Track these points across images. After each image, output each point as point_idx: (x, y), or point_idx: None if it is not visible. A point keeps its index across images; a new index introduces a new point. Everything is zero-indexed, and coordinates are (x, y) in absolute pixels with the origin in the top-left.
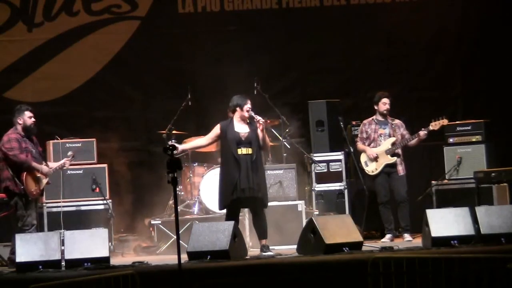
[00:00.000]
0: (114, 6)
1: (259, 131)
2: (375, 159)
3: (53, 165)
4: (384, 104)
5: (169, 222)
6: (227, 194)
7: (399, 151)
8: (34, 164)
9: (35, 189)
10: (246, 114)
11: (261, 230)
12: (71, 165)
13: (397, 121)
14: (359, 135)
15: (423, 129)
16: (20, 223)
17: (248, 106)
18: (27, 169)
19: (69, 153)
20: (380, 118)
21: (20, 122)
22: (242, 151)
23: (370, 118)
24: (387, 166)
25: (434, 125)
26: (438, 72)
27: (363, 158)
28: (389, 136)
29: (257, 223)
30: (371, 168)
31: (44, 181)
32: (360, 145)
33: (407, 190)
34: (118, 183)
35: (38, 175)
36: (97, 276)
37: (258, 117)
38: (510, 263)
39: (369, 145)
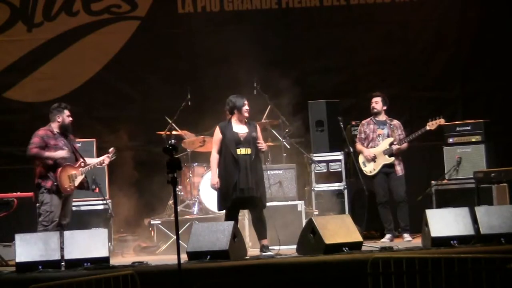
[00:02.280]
0: (114, 6)
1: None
2: (373, 159)
3: (92, 161)
4: (372, 103)
5: (168, 222)
6: (226, 195)
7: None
8: (47, 153)
9: (69, 185)
10: (246, 114)
11: (260, 231)
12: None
13: (395, 122)
14: (358, 136)
15: (420, 130)
16: (41, 217)
17: (246, 107)
18: (58, 164)
19: (110, 149)
20: (378, 118)
21: (59, 120)
22: (241, 151)
23: (369, 118)
24: (385, 166)
25: (431, 125)
26: (438, 72)
27: (361, 158)
28: (388, 136)
29: (257, 223)
30: (369, 169)
31: (79, 177)
32: (358, 146)
33: (406, 190)
34: (118, 183)
35: (73, 172)
36: (97, 276)
37: (262, 146)
38: (510, 263)
39: (367, 145)
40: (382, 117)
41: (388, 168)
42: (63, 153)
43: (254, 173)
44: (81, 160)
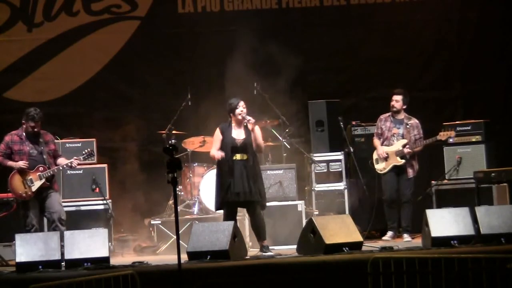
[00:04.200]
0: (114, 6)
1: (252, 132)
2: (385, 158)
3: (62, 162)
4: (393, 101)
5: (169, 222)
6: (221, 196)
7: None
8: (9, 162)
9: (24, 191)
10: (240, 118)
11: (259, 232)
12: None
13: (413, 122)
14: (375, 130)
15: (431, 138)
16: (22, 222)
17: (239, 110)
18: (19, 170)
19: (84, 151)
20: (396, 116)
21: (24, 126)
22: (237, 156)
23: (387, 114)
24: (396, 166)
25: (442, 136)
26: (438, 72)
27: (375, 155)
28: (402, 137)
29: (255, 225)
30: (380, 167)
31: (38, 182)
32: (375, 141)
33: (413, 191)
34: (118, 183)
35: (29, 177)
36: (97, 276)
37: (248, 117)
38: (510, 263)
39: (382, 143)
40: (401, 115)
41: (399, 169)
42: (19, 164)
43: (250, 177)
44: (41, 164)
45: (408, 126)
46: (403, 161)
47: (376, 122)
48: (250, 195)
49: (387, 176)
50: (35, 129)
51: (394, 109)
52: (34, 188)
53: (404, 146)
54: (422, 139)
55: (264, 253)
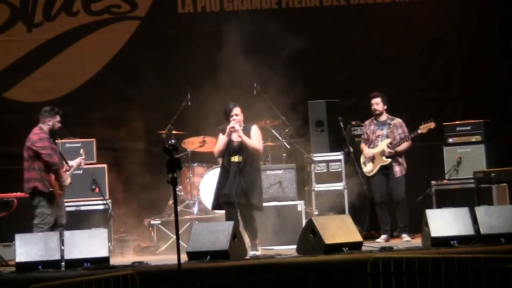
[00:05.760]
0: (114, 6)
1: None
2: (372, 160)
3: (72, 164)
4: (373, 105)
5: (168, 222)
6: (215, 197)
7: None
8: (61, 172)
9: (60, 188)
10: (233, 123)
11: (249, 233)
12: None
13: (396, 121)
14: (362, 136)
15: (413, 133)
16: (37, 219)
17: (234, 117)
18: (55, 171)
19: (81, 151)
20: (379, 119)
21: (50, 124)
22: (234, 158)
23: (370, 119)
24: (384, 167)
25: (423, 128)
26: (438, 72)
27: (362, 158)
28: (386, 137)
29: (244, 226)
30: (368, 169)
31: (67, 181)
32: (361, 145)
33: (405, 190)
34: (118, 183)
35: (63, 178)
36: (97, 276)
37: (235, 127)
38: (510, 263)
39: (368, 146)
40: (383, 117)
41: (386, 170)
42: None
43: (243, 180)
44: (65, 164)
45: (391, 126)
46: (389, 160)
47: (362, 128)
48: (239, 197)
49: (376, 178)
50: (60, 124)
51: (377, 112)
52: (65, 188)
53: (388, 145)
54: (407, 137)
55: (251, 251)
